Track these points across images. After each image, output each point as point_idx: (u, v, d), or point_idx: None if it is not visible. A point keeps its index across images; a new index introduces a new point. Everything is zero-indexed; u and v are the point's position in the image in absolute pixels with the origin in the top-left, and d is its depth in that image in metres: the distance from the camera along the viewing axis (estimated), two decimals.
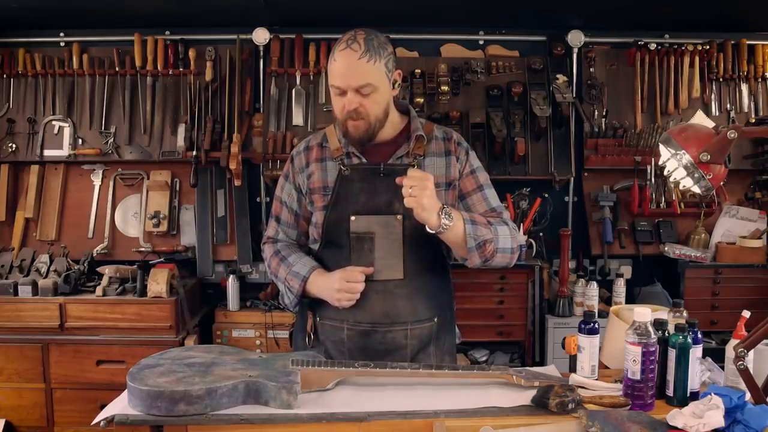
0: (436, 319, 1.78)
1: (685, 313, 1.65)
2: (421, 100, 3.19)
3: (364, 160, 1.75)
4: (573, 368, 1.64)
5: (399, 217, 1.70)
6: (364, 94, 1.65)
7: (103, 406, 1.47)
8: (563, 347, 1.70)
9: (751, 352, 1.39)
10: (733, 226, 3.20)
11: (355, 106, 1.65)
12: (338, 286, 1.67)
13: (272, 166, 3.20)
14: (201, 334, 3.09)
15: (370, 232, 1.70)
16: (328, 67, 1.71)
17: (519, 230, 3.13)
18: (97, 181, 3.35)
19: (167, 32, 3.30)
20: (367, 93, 1.65)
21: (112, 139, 3.24)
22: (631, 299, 3.11)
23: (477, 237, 1.64)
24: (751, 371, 1.37)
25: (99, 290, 2.90)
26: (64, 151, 3.25)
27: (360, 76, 1.63)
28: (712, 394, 1.26)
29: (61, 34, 3.30)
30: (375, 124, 1.70)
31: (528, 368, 1.68)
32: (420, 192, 1.55)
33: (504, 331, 3.11)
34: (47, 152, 3.26)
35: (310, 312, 1.81)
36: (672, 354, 1.44)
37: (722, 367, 1.57)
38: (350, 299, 1.68)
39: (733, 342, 1.44)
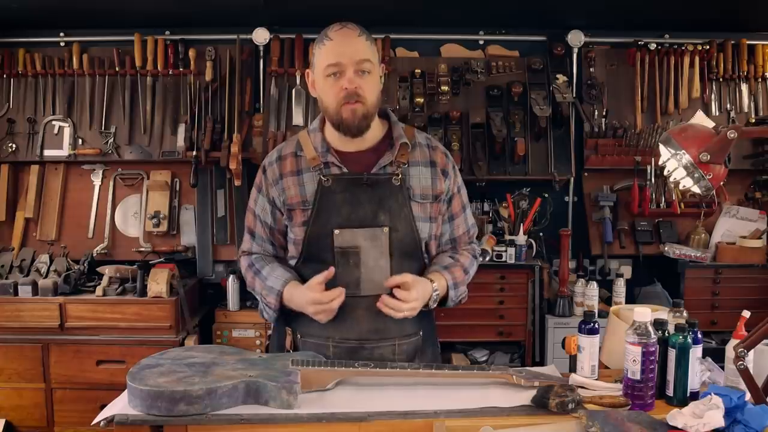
0: (421, 333, 1.74)
1: (685, 313, 1.65)
2: (421, 100, 3.19)
3: (345, 169, 1.65)
4: (573, 368, 1.64)
5: (385, 229, 1.62)
6: (363, 71, 1.58)
7: (103, 406, 1.46)
8: (563, 347, 1.70)
9: (751, 352, 1.39)
10: (733, 226, 3.20)
11: (355, 86, 1.56)
12: (312, 311, 1.58)
13: None
14: (201, 334, 3.09)
15: (356, 246, 1.61)
16: (316, 52, 1.63)
17: (520, 230, 3.13)
18: (97, 181, 3.35)
19: (167, 32, 3.29)
20: (366, 70, 1.58)
21: (112, 139, 3.25)
22: (631, 299, 3.11)
23: (457, 297, 1.74)
24: (751, 371, 1.37)
25: (99, 290, 2.90)
26: (64, 151, 3.25)
27: (360, 51, 1.58)
28: (712, 394, 1.26)
29: (61, 34, 3.30)
30: (372, 110, 1.62)
31: (528, 368, 1.68)
32: (413, 312, 1.60)
33: (504, 331, 3.11)
34: (47, 152, 3.26)
35: (289, 328, 1.73)
36: (672, 354, 1.44)
37: (722, 367, 1.57)
38: (331, 315, 1.59)
39: (733, 342, 1.44)
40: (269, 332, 3.07)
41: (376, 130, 1.70)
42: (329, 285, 1.59)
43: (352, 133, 1.63)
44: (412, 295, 1.57)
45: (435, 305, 1.69)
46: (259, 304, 1.77)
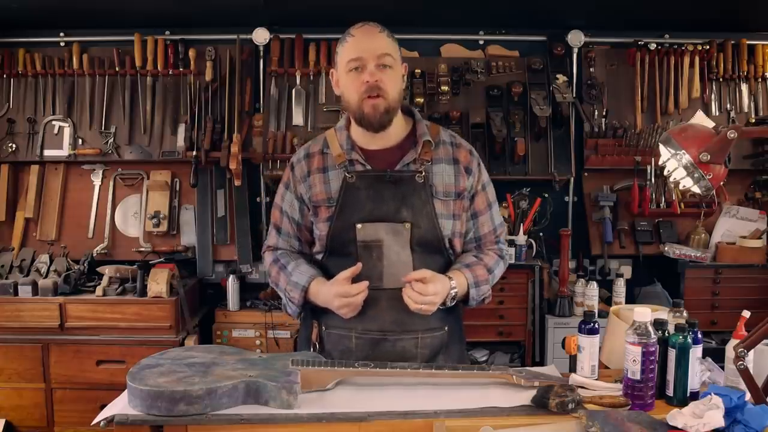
0: (446, 328, 1.74)
1: (685, 313, 1.65)
2: (421, 100, 3.19)
3: (368, 166, 1.69)
4: (573, 368, 1.64)
5: (407, 224, 1.65)
6: (384, 65, 1.62)
7: (103, 406, 1.46)
8: (563, 347, 1.70)
9: (751, 352, 1.39)
10: (733, 226, 3.20)
11: (376, 79, 1.60)
12: (338, 304, 1.61)
13: (272, 166, 3.20)
14: (201, 334, 3.09)
15: (378, 240, 1.65)
16: (339, 50, 1.68)
17: (520, 230, 3.13)
18: (97, 181, 3.35)
19: (167, 32, 3.30)
20: (388, 65, 1.62)
21: (112, 139, 3.25)
22: (631, 299, 3.11)
23: (479, 296, 1.73)
24: (751, 371, 1.37)
25: (99, 290, 2.91)
26: (64, 151, 3.26)
27: (381, 46, 1.63)
28: (712, 394, 1.26)
29: (61, 34, 3.30)
30: (393, 105, 1.65)
31: (528, 368, 1.68)
32: (431, 306, 1.59)
33: (504, 331, 3.11)
34: (47, 152, 3.27)
35: (315, 321, 1.75)
36: (672, 354, 1.44)
37: (722, 367, 1.57)
38: (356, 310, 1.62)
39: (733, 342, 1.44)
40: (269, 332, 3.08)
41: (400, 128, 1.73)
42: (353, 280, 1.64)
43: (374, 127, 1.66)
44: (430, 289, 1.58)
45: (453, 303, 1.68)
46: (282, 299, 1.79)
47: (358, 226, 1.65)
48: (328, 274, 1.71)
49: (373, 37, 1.64)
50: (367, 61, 1.61)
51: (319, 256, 1.76)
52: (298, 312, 1.75)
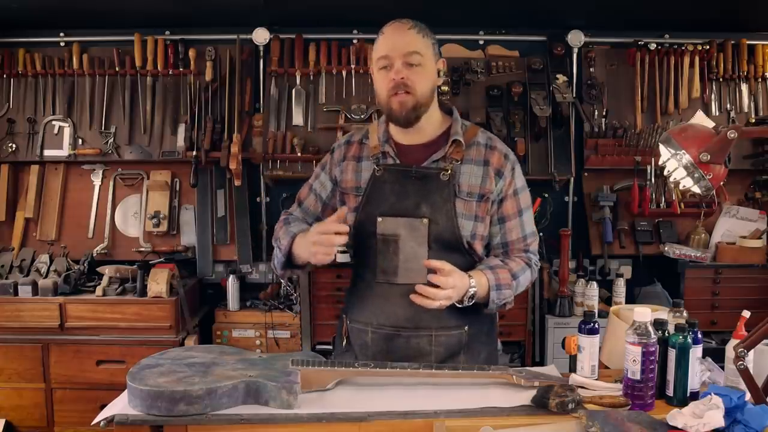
0: (466, 328, 1.73)
1: (685, 313, 1.65)
2: None
3: (398, 160, 1.71)
4: (573, 368, 1.64)
5: (425, 220, 1.66)
6: (411, 64, 1.63)
7: (103, 406, 1.46)
8: (563, 347, 1.70)
9: (751, 352, 1.39)
10: (733, 226, 3.20)
11: (402, 76, 1.62)
12: (313, 239, 1.58)
13: (272, 166, 3.21)
14: (201, 334, 3.09)
15: (395, 234, 1.67)
16: (373, 48, 1.71)
17: None
18: (97, 181, 3.35)
19: (167, 32, 3.30)
20: (415, 63, 1.63)
21: (112, 139, 3.25)
22: (631, 299, 3.11)
23: (500, 300, 1.70)
24: (751, 371, 1.37)
25: (99, 290, 2.91)
26: (64, 151, 3.26)
27: (409, 43, 1.64)
28: (712, 394, 1.26)
29: (61, 34, 3.30)
30: (422, 101, 1.66)
31: (528, 368, 1.68)
32: (445, 300, 1.56)
33: (504, 331, 3.10)
34: (47, 152, 3.27)
35: (345, 315, 1.80)
36: (672, 354, 1.44)
37: (722, 367, 1.57)
38: (326, 253, 1.57)
39: (733, 342, 1.44)
40: (269, 332, 3.08)
41: (436, 125, 1.75)
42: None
43: (401, 123, 1.69)
44: (449, 282, 1.56)
45: (470, 303, 1.65)
46: (274, 253, 1.79)
47: (379, 219, 1.68)
48: (354, 268, 1.77)
49: (402, 35, 1.65)
50: (393, 59, 1.63)
51: (351, 251, 1.76)
52: (282, 262, 1.73)
